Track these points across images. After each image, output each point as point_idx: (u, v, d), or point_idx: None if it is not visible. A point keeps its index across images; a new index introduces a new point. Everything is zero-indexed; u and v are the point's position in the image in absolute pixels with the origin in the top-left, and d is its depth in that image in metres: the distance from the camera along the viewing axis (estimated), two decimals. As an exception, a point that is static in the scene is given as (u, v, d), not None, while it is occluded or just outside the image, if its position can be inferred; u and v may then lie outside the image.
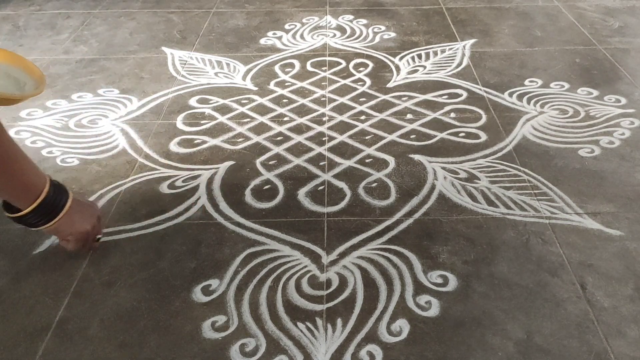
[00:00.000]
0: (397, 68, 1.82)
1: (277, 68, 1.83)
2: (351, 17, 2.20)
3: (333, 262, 1.11)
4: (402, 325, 0.98)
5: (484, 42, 1.98)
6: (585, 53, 1.89)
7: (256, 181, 1.33)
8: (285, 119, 1.57)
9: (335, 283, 1.06)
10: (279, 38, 2.04)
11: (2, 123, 0.78)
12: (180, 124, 1.55)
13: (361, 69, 1.82)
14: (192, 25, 2.15)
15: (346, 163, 1.39)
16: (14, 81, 1.12)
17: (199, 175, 1.35)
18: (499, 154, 1.41)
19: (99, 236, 1.00)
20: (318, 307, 1.02)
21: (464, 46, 1.95)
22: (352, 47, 1.96)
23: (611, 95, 1.65)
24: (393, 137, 1.49)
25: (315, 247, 1.14)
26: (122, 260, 1.12)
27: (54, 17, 2.22)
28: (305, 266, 1.10)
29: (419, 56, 1.89)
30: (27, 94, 1.16)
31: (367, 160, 1.40)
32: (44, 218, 0.92)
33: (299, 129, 1.52)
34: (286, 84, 1.74)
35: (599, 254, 1.12)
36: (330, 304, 1.02)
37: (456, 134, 1.49)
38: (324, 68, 1.83)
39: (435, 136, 1.49)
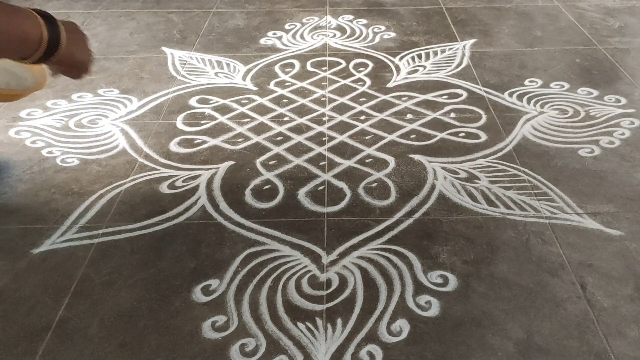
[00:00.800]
0: (397, 68, 1.82)
1: (277, 68, 1.83)
2: (351, 17, 2.20)
3: (333, 262, 1.11)
4: (402, 325, 0.98)
5: (484, 42, 1.98)
6: (585, 53, 1.89)
7: (256, 181, 1.33)
8: (285, 119, 1.57)
9: (335, 283, 1.06)
10: (279, 38, 2.04)
11: None
12: (180, 124, 1.55)
13: (361, 69, 1.82)
14: (192, 25, 2.15)
15: (346, 163, 1.39)
16: (14, 77, 1.12)
17: (199, 175, 1.35)
18: (499, 154, 1.41)
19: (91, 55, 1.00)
20: (318, 307, 1.02)
21: (464, 46, 1.95)
22: (352, 47, 1.96)
23: (611, 95, 1.65)
24: (393, 137, 1.49)
25: (315, 247, 1.14)
26: (122, 260, 1.12)
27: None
28: (305, 266, 1.10)
29: (419, 56, 1.89)
30: (28, 89, 1.16)
31: (367, 160, 1.40)
32: (45, 57, 0.89)
33: (299, 129, 1.52)
34: (286, 84, 1.74)
35: (599, 254, 1.12)
36: (330, 304, 1.02)
37: (456, 134, 1.49)
38: (324, 68, 1.83)
39: (435, 136, 1.49)
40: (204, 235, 1.18)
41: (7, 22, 0.80)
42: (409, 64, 1.85)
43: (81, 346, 0.95)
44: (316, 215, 1.23)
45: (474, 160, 1.39)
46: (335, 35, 2.05)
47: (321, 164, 1.39)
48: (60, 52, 0.90)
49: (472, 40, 1.99)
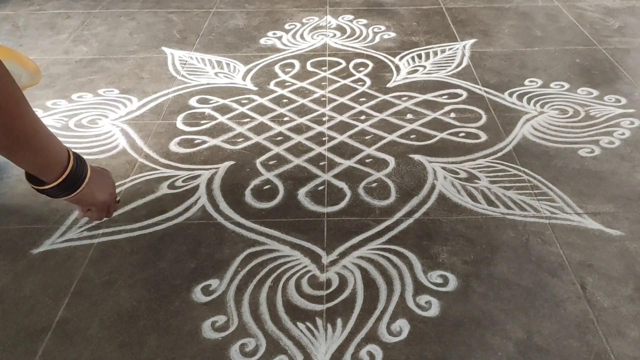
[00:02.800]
0: (397, 68, 1.82)
1: (277, 68, 1.83)
2: (351, 17, 2.20)
3: (333, 262, 1.11)
4: (402, 325, 0.98)
5: (484, 42, 1.98)
6: (585, 53, 1.89)
7: (256, 181, 1.33)
8: (285, 119, 1.57)
9: (335, 283, 1.06)
10: (279, 38, 2.03)
11: (26, 100, 0.83)
12: (180, 124, 1.55)
13: (361, 69, 1.82)
14: (192, 25, 2.15)
15: (346, 163, 1.39)
16: None
17: (199, 175, 1.35)
18: (499, 154, 1.41)
19: (118, 198, 1.08)
20: (318, 307, 1.02)
21: (464, 46, 1.95)
22: (352, 47, 1.96)
23: (611, 95, 1.65)
24: (393, 137, 1.49)
25: (315, 247, 1.14)
26: (122, 260, 1.12)
27: (54, 17, 2.22)
28: (305, 266, 1.10)
29: (419, 56, 1.89)
30: (24, 86, 1.16)
31: (367, 160, 1.40)
32: (67, 190, 0.99)
33: (299, 129, 1.52)
34: (286, 84, 1.74)
35: (599, 254, 1.11)
36: (330, 304, 1.02)
37: (456, 134, 1.49)
38: (324, 68, 1.83)
39: (435, 136, 1.48)
40: (204, 235, 1.18)
41: (37, 131, 0.85)
42: (409, 64, 1.85)
43: (81, 346, 0.95)
44: (316, 215, 1.23)
45: (474, 160, 1.39)
46: (335, 35, 2.05)
47: (321, 164, 1.39)
48: (83, 189, 0.96)
49: (472, 40, 1.99)
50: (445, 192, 1.29)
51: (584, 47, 1.93)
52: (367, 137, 1.48)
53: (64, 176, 0.94)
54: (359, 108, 1.61)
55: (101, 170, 1.07)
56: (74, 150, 0.97)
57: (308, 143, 1.47)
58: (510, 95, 1.66)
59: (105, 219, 1.10)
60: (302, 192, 1.29)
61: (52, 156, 0.93)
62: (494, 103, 1.62)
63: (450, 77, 1.77)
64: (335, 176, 1.34)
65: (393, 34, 2.05)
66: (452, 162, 1.39)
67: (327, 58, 1.89)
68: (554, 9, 2.23)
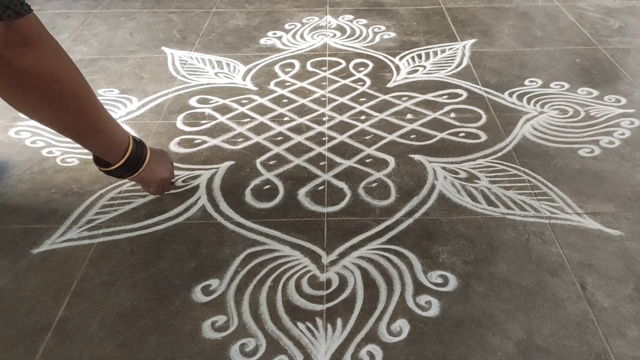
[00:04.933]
0: (397, 68, 1.82)
1: (277, 68, 1.83)
2: (351, 17, 2.20)
3: (333, 262, 1.11)
4: (402, 325, 0.98)
5: (484, 42, 1.98)
6: (585, 53, 1.89)
7: (256, 181, 1.33)
8: (285, 119, 1.57)
9: (335, 283, 1.06)
10: (279, 38, 2.04)
11: (90, 87, 0.93)
12: (180, 124, 1.55)
13: (361, 69, 1.82)
14: (192, 25, 2.15)
15: (346, 163, 1.39)
16: None
17: (199, 175, 1.35)
18: (499, 154, 1.41)
19: (174, 180, 1.22)
20: (318, 307, 1.02)
21: (464, 46, 1.95)
22: (352, 47, 1.96)
23: (611, 95, 1.65)
24: (393, 137, 1.49)
25: (315, 247, 1.14)
26: (122, 260, 1.12)
27: (54, 17, 2.22)
28: (305, 266, 1.10)
29: (419, 56, 1.89)
30: None
31: (367, 160, 1.40)
32: (131, 170, 1.09)
33: (299, 129, 1.52)
34: (286, 84, 1.74)
35: (599, 254, 1.12)
36: (330, 304, 1.02)
37: (456, 134, 1.49)
38: (324, 68, 1.83)
39: (435, 136, 1.49)
40: (204, 235, 1.18)
41: (103, 115, 0.94)
42: (409, 64, 1.85)
43: (81, 346, 0.95)
44: (316, 215, 1.23)
45: (474, 160, 1.39)
46: (335, 35, 2.05)
47: (321, 164, 1.39)
48: (144, 168, 1.09)
49: (472, 40, 1.99)
50: (445, 192, 1.29)
51: (584, 47, 1.93)
52: (367, 137, 1.49)
53: (125, 157, 1.06)
54: (359, 108, 1.61)
55: (160, 151, 1.17)
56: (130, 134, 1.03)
57: (308, 143, 1.47)
58: (510, 95, 1.66)
59: (165, 192, 1.22)
60: (302, 192, 1.29)
61: (116, 138, 1.05)
62: (494, 103, 1.63)
63: (450, 77, 1.77)
64: (335, 176, 1.35)
65: (393, 34, 2.05)
66: (452, 162, 1.39)
67: (327, 58, 1.89)
68: (554, 9, 2.23)
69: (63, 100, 0.85)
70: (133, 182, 1.32)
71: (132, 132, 1.52)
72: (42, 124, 0.91)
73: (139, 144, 1.10)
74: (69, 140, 1.01)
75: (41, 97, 0.82)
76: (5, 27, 0.70)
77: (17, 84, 0.76)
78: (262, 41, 2.01)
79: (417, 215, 1.22)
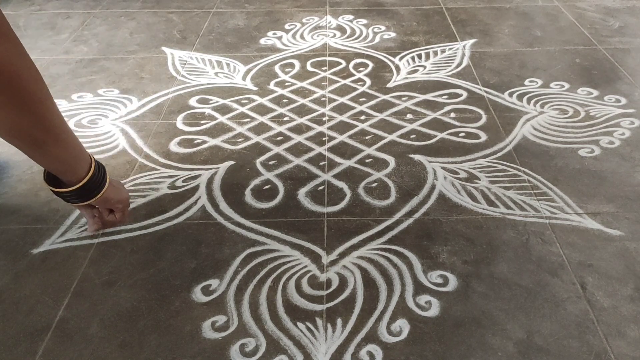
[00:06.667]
0: (397, 68, 1.82)
1: (277, 68, 1.83)
2: (351, 17, 2.20)
3: (333, 262, 1.11)
4: (402, 325, 0.98)
5: (484, 42, 1.98)
6: (585, 53, 1.89)
7: (256, 181, 1.33)
8: (285, 119, 1.57)
9: (335, 283, 1.06)
10: (279, 38, 2.03)
11: (50, 93, 0.86)
12: (180, 124, 1.55)
13: (361, 69, 1.82)
14: (192, 25, 2.15)
15: (346, 163, 1.39)
16: None
17: (199, 175, 1.35)
18: (499, 154, 1.41)
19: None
20: (318, 307, 1.02)
21: (464, 46, 1.95)
22: (352, 47, 1.96)
23: (611, 95, 1.65)
24: (393, 137, 1.49)
25: (315, 247, 1.14)
26: (122, 260, 1.12)
27: (54, 17, 2.22)
28: (305, 266, 1.10)
29: (419, 56, 1.89)
30: None
31: (367, 160, 1.40)
32: (92, 191, 1.01)
33: (299, 129, 1.52)
34: (286, 84, 1.74)
35: (599, 254, 1.11)
36: (330, 304, 1.02)
37: (456, 134, 1.49)
38: (324, 68, 1.83)
39: (435, 136, 1.48)
40: (204, 235, 1.18)
41: (65, 125, 0.88)
42: (409, 64, 1.85)
43: (81, 346, 0.95)
44: (316, 215, 1.23)
45: (474, 160, 1.39)
46: (335, 35, 2.05)
47: (321, 164, 1.39)
48: (105, 191, 0.98)
49: (472, 40, 1.99)
50: (445, 192, 1.29)
51: (584, 47, 1.93)
52: (367, 137, 1.48)
53: (89, 175, 0.97)
54: (359, 108, 1.61)
55: (117, 181, 1.12)
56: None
57: (308, 143, 1.47)
58: (510, 95, 1.66)
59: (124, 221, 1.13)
60: (302, 192, 1.29)
61: (77, 154, 0.97)
62: (494, 103, 1.62)
63: (450, 77, 1.77)
64: (335, 176, 1.34)
65: (393, 34, 2.05)
66: (452, 162, 1.39)
67: (327, 58, 1.89)
68: (554, 9, 2.23)
69: (25, 103, 0.82)
70: (133, 183, 1.32)
71: (133, 134, 1.52)
72: None
73: (100, 164, 1.03)
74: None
75: (3, 97, 0.79)
76: None
77: None
78: (262, 41, 2.01)
79: (417, 215, 1.22)
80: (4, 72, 0.76)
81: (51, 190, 1.00)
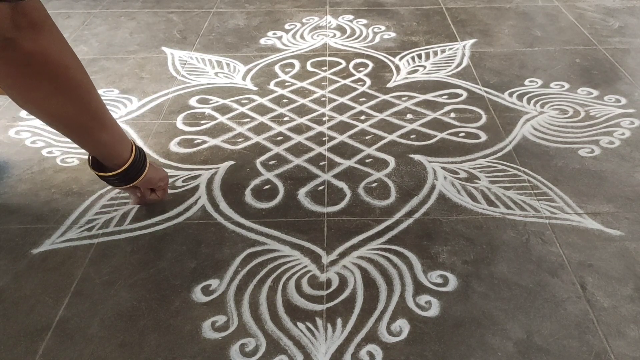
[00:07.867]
0: (397, 68, 1.82)
1: (277, 68, 1.83)
2: (351, 17, 2.20)
3: (333, 262, 1.11)
4: (402, 325, 0.98)
5: (484, 42, 1.98)
6: (585, 53, 1.89)
7: (256, 181, 1.33)
8: (285, 119, 1.57)
9: (335, 283, 1.06)
10: (279, 38, 2.04)
11: (94, 86, 0.89)
12: (180, 124, 1.55)
13: (361, 69, 1.82)
14: (192, 25, 2.15)
15: (346, 163, 1.39)
16: None
17: (199, 175, 1.35)
18: (499, 154, 1.41)
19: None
20: (318, 307, 1.02)
21: (464, 46, 1.95)
22: (352, 47, 1.96)
23: (611, 95, 1.65)
24: (393, 137, 1.49)
25: (315, 247, 1.14)
26: (122, 260, 1.12)
27: (54, 17, 2.20)
28: (305, 266, 1.10)
29: (419, 56, 1.89)
30: None
31: (367, 160, 1.40)
32: (139, 171, 1.04)
33: (299, 129, 1.52)
34: (286, 84, 1.74)
35: (599, 254, 1.12)
36: (330, 304, 1.02)
37: (456, 134, 1.49)
38: (324, 68, 1.83)
39: (435, 136, 1.49)
40: (204, 235, 1.18)
41: (107, 111, 0.89)
42: (409, 64, 1.85)
43: (81, 346, 0.95)
44: (316, 215, 1.23)
45: (474, 160, 1.39)
46: (335, 35, 2.05)
47: (321, 164, 1.39)
48: (147, 172, 1.04)
49: (472, 40, 1.99)
50: (445, 192, 1.29)
51: (584, 47, 1.93)
52: (367, 137, 1.49)
53: (130, 159, 0.99)
54: (359, 108, 1.61)
55: (153, 162, 1.17)
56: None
57: (308, 143, 1.47)
58: (510, 95, 1.66)
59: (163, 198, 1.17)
60: (302, 192, 1.29)
61: (120, 139, 0.99)
62: (494, 103, 1.63)
63: (450, 77, 1.77)
64: (335, 176, 1.35)
65: (393, 34, 2.05)
66: (452, 162, 1.39)
67: (327, 58, 1.89)
68: (554, 9, 2.23)
69: (71, 90, 0.82)
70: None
71: (133, 134, 1.52)
72: (45, 119, 0.86)
73: (139, 148, 1.06)
74: (69, 140, 0.99)
75: (51, 85, 0.79)
76: (11, 8, 0.68)
77: (27, 71, 0.73)
78: (262, 41, 2.01)
79: (417, 215, 1.22)
80: (54, 63, 0.76)
81: (97, 174, 1.02)
